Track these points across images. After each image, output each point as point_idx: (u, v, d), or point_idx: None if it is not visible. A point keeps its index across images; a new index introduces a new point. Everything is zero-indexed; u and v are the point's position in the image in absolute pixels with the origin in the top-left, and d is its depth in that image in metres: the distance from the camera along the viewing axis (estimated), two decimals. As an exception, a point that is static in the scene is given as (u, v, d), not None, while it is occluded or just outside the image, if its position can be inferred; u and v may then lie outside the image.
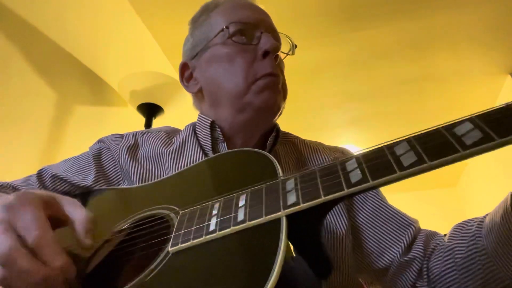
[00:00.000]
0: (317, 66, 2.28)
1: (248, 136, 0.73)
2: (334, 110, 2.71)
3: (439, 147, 0.35)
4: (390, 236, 0.67)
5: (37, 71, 1.51)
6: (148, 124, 1.87)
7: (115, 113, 1.99)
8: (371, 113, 2.72)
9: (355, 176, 0.37)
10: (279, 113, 0.73)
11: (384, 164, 0.37)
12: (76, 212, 0.48)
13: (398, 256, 0.65)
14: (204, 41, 0.75)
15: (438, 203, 3.42)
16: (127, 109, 2.02)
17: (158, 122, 1.87)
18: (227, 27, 0.71)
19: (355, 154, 0.41)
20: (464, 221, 0.62)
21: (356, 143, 3.06)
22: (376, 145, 0.39)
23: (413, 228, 0.68)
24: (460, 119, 0.36)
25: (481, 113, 0.35)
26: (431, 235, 0.68)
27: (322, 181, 0.40)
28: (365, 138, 3.02)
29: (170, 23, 1.95)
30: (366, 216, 0.70)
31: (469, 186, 3.32)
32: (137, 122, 1.93)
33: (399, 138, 0.38)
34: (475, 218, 0.60)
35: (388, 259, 0.66)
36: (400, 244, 0.66)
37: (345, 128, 2.91)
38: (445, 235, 0.66)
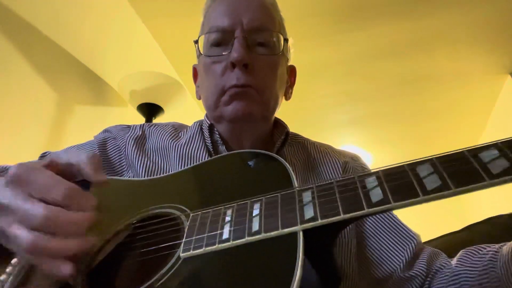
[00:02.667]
0: (316, 66, 2.27)
1: (239, 143, 0.72)
2: (334, 110, 2.70)
3: (464, 173, 0.34)
4: (391, 247, 0.67)
5: (37, 71, 1.50)
6: (148, 125, 1.85)
7: (115, 113, 1.98)
8: (371, 113, 2.71)
9: (376, 195, 0.37)
10: (258, 119, 0.69)
11: (407, 185, 0.36)
12: (76, 156, 0.46)
13: (399, 270, 0.65)
14: (198, 48, 0.75)
15: (438, 203, 3.40)
16: (127, 109, 2.01)
17: (158, 123, 1.86)
18: (206, 33, 0.71)
19: (374, 170, 0.40)
20: (475, 247, 0.61)
21: (356, 143, 3.06)
22: (397, 164, 0.39)
23: (415, 243, 0.67)
24: (486, 144, 0.35)
25: (507, 139, 0.35)
26: (435, 255, 0.67)
27: (341, 198, 0.39)
28: (365, 138, 3.02)
29: (170, 23, 1.93)
30: (371, 222, 0.70)
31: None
32: (137, 122, 1.91)
33: (421, 158, 0.37)
34: (488, 246, 0.58)
35: (387, 270, 0.66)
36: (401, 257, 0.66)
37: (345, 128, 2.91)
38: (451, 258, 0.65)
